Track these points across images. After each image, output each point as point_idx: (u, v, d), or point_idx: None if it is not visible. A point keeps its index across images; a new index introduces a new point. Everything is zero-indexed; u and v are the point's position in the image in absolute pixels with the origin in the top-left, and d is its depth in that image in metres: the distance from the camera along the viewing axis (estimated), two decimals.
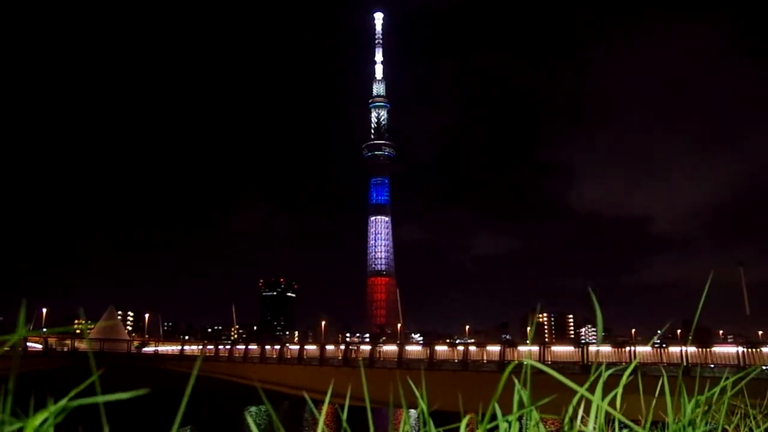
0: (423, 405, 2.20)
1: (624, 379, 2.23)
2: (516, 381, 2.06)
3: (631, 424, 2.08)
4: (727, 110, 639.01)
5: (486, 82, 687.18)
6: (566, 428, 2.11)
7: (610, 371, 2.17)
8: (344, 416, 2.20)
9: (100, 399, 1.45)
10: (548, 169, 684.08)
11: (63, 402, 1.55)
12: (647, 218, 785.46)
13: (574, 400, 2.09)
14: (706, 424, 2.49)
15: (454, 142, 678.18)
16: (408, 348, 65.52)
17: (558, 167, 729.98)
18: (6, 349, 1.61)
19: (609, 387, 2.23)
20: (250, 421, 1.85)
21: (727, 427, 3.16)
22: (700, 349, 44.90)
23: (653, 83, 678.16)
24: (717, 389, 2.55)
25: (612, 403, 2.15)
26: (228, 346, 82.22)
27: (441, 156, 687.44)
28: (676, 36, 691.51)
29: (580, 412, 2.19)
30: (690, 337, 43.96)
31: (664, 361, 44.70)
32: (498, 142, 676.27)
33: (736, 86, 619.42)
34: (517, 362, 1.89)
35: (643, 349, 51.78)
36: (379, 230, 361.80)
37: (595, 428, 2.13)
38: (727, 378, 2.55)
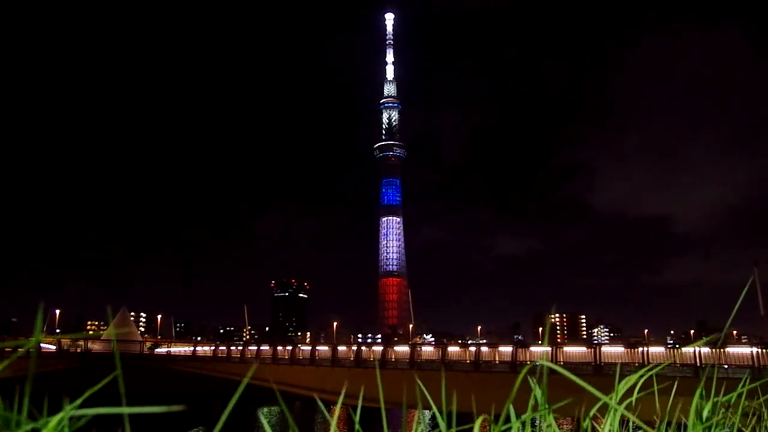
0: (435, 407, 2.20)
1: (638, 384, 2.21)
2: (531, 382, 2.05)
3: (649, 429, 2.06)
4: (752, 113, 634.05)
5: (509, 82, 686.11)
6: (581, 430, 2.10)
7: (626, 381, 2.15)
8: (357, 418, 2.20)
9: (126, 410, 1.44)
10: (571, 169, 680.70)
11: (78, 402, 1.55)
12: (669, 219, 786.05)
13: (594, 409, 2.08)
14: (724, 426, 2.47)
15: (476, 143, 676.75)
16: (417, 348, 65.48)
17: (581, 168, 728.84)
18: (22, 351, 1.62)
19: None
20: (263, 421, 1.85)
21: (743, 428, 3.14)
22: (713, 350, 44.60)
23: (678, 85, 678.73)
24: (736, 393, 2.53)
25: (627, 405, 2.14)
26: (240, 347, 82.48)
27: (463, 157, 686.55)
28: (703, 39, 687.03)
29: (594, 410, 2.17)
30: (720, 342, 43.38)
31: (678, 361, 44.44)
32: (521, 143, 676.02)
33: (761, 89, 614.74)
34: (531, 364, 1.88)
35: (656, 350, 51.53)
36: (391, 231, 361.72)
37: (610, 430, 2.11)
38: (746, 381, 2.52)
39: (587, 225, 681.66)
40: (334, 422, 2.11)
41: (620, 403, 2.10)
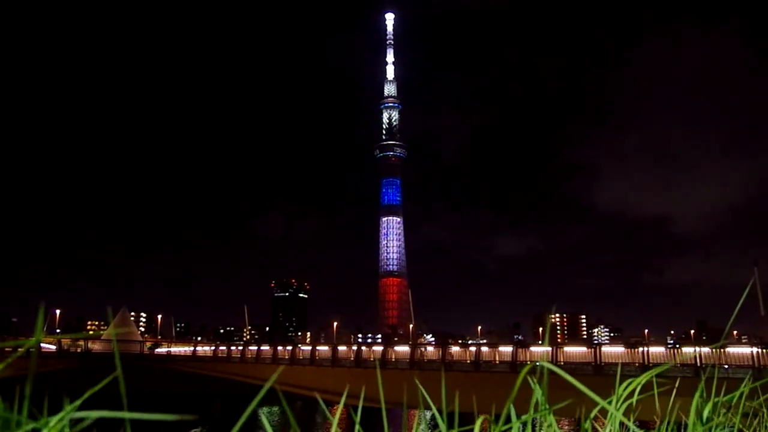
0: (435, 407, 2.20)
1: (639, 387, 2.20)
2: (531, 383, 2.04)
3: None
4: (752, 112, 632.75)
5: (510, 82, 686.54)
6: (582, 431, 2.09)
7: (627, 384, 2.14)
8: (357, 418, 2.20)
9: (128, 416, 1.43)
10: (571, 169, 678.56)
11: (78, 402, 1.55)
12: (669, 219, 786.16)
13: (595, 411, 2.08)
14: (724, 426, 2.47)
15: (476, 143, 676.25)
16: (420, 348, 65.48)
17: (581, 168, 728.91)
18: (22, 351, 1.62)
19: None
20: (265, 421, 1.85)
21: (743, 429, 3.14)
22: (714, 350, 44.59)
23: (678, 85, 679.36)
24: (737, 393, 2.53)
25: (628, 406, 2.13)
26: (240, 347, 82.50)
27: (464, 157, 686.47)
28: (703, 39, 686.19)
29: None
30: (722, 342, 43.31)
31: (678, 361, 44.42)
32: (521, 143, 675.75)
33: (761, 89, 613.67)
34: (531, 365, 1.87)
35: (657, 350, 51.50)
36: (391, 231, 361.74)
37: (610, 431, 2.11)
38: (747, 381, 2.52)
39: (587, 225, 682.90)
40: (335, 422, 2.11)
41: (621, 404, 2.10)
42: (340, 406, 2.19)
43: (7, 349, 53.91)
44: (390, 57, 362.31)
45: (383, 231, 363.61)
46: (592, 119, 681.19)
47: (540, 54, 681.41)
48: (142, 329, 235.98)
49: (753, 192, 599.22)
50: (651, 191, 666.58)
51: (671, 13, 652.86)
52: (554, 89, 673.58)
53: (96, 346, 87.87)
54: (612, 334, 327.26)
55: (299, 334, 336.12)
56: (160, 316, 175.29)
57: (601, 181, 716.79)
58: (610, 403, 2.06)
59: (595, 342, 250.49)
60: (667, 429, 2.56)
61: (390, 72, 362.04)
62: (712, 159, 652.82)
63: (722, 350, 45.17)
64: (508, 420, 2.02)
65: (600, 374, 46.08)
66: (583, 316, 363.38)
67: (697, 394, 2.27)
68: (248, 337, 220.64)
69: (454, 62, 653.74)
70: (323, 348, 72.93)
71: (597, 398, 1.97)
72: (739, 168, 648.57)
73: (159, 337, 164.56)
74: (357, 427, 2.14)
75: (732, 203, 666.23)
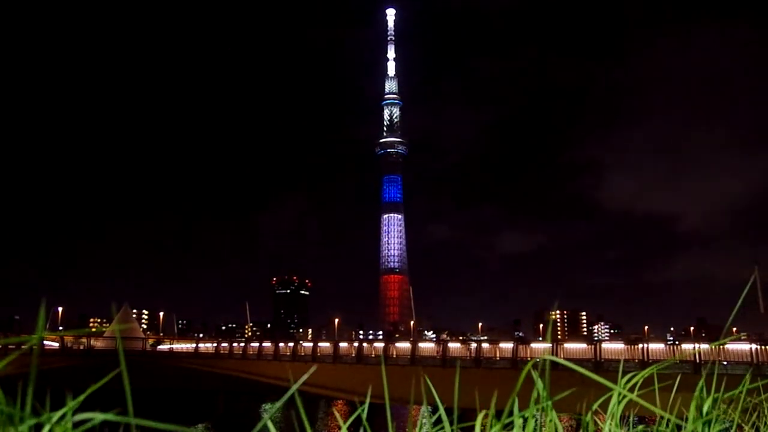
0: (439, 402, 2.20)
1: (639, 382, 2.21)
2: (534, 375, 2.05)
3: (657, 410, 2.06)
4: (759, 111, 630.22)
5: (515, 79, 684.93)
6: (583, 425, 2.10)
7: (628, 378, 2.15)
8: (364, 414, 2.21)
9: (133, 421, 1.43)
10: (577, 167, 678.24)
11: (81, 398, 1.56)
12: (675, 216, 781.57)
13: (596, 404, 2.08)
14: (724, 421, 2.48)
15: (480, 140, 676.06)
16: (421, 345, 65.44)
17: (586, 165, 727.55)
18: (26, 348, 1.63)
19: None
20: (268, 423, 1.85)
21: (742, 424, 3.15)
22: (713, 347, 44.60)
23: (685, 83, 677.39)
24: (737, 390, 2.53)
25: (629, 401, 2.14)
26: (242, 344, 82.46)
27: (467, 153, 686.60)
28: (710, 37, 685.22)
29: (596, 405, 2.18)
30: (721, 338, 43.28)
31: (677, 358, 44.42)
32: (526, 140, 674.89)
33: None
34: (533, 361, 1.88)
35: (656, 346, 51.48)
36: (392, 228, 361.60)
37: (611, 425, 2.12)
38: (747, 379, 2.52)
39: (589, 222, 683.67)
40: (344, 423, 2.12)
41: (621, 399, 2.11)
42: (361, 408, 2.20)
43: (10, 346, 53.99)
44: (391, 53, 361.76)
45: (384, 228, 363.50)
46: (597, 117, 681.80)
47: (544, 52, 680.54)
48: (144, 326, 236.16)
49: (755, 190, 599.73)
50: (655, 189, 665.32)
51: (678, 11, 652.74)
52: (558, 87, 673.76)
53: (98, 343, 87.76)
54: (612, 331, 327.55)
55: (301, 330, 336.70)
56: (162, 313, 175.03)
57: (605, 179, 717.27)
58: (611, 397, 2.07)
59: (595, 339, 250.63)
60: (667, 424, 2.57)
61: (391, 68, 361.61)
62: (718, 157, 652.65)
63: (721, 347, 45.08)
64: (509, 415, 2.03)
65: (600, 370, 46.02)
66: (584, 313, 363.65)
67: (698, 390, 2.28)
68: (250, 334, 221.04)
69: (455, 59, 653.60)
70: (325, 344, 72.88)
71: (604, 381, 1.98)
72: (744, 166, 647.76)
73: (161, 334, 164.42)
74: (364, 422, 2.15)
75: (734, 201, 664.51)
